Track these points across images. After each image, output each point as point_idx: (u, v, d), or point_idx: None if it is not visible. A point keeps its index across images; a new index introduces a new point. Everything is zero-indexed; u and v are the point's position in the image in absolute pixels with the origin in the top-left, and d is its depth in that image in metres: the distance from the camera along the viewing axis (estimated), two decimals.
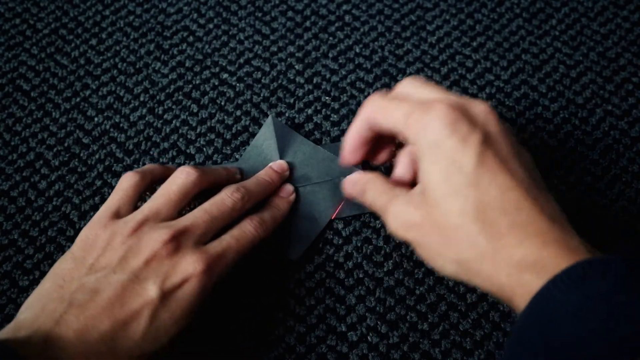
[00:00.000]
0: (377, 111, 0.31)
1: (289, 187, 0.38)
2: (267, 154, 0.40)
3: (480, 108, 0.29)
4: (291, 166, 0.39)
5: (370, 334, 0.36)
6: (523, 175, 0.28)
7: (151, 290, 0.29)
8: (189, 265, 0.31)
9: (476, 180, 0.27)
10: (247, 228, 0.34)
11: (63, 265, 0.31)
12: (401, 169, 0.34)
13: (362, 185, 0.34)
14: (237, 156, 0.41)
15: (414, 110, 0.29)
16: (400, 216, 0.30)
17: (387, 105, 0.30)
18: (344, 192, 0.36)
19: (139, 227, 0.32)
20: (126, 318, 0.29)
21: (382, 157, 0.35)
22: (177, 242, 0.31)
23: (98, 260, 0.31)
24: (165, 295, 0.30)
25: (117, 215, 0.33)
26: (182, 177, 0.34)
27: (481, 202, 0.27)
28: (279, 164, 0.39)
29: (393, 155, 0.35)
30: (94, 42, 0.46)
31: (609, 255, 0.25)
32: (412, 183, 0.33)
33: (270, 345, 0.36)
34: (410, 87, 0.32)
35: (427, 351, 0.36)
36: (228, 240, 0.33)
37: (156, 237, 0.31)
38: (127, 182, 0.34)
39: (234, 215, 0.34)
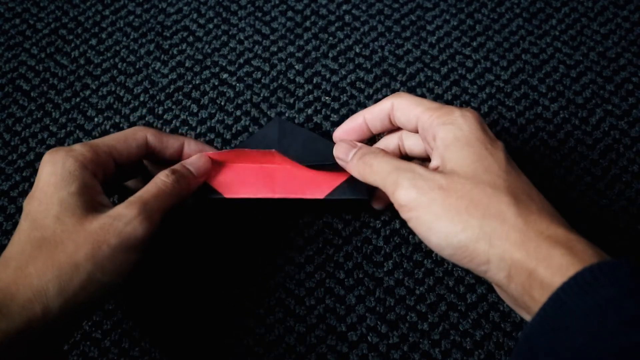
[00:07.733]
0: (401, 104, 0.33)
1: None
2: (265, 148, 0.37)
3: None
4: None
5: (370, 334, 0.36)
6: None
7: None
8: None
9: (507, 170, 0.29)
10: None
11: None
12: None
13: (375, 149, 0.34)
14: None
15: (443, 107, 0.32)
16: (424, 177, 0.29)
17: (412, 101, 0.33)
18: (350, 168, 0.34)
19: None
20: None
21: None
22: None
23: None
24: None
25: None
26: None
27: (512, 185, 0.29)
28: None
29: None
30: (94, 42, 0.46)
31: (617, 259, 0.25)
32: None
33: (270, 345, 0.36)
34: None
35: (427, 351, 0.36)
36: None
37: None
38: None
39: None
